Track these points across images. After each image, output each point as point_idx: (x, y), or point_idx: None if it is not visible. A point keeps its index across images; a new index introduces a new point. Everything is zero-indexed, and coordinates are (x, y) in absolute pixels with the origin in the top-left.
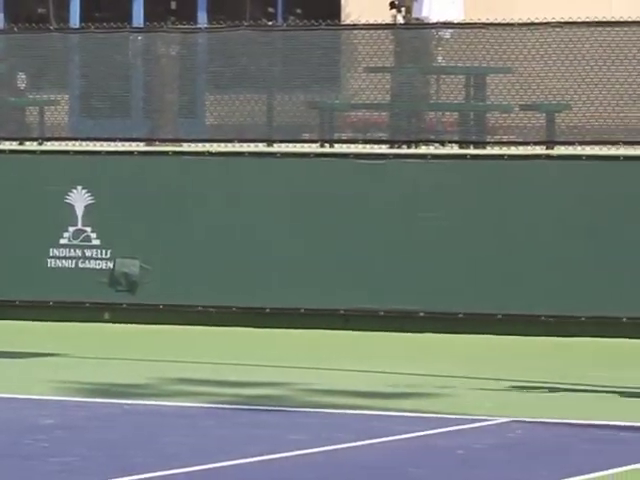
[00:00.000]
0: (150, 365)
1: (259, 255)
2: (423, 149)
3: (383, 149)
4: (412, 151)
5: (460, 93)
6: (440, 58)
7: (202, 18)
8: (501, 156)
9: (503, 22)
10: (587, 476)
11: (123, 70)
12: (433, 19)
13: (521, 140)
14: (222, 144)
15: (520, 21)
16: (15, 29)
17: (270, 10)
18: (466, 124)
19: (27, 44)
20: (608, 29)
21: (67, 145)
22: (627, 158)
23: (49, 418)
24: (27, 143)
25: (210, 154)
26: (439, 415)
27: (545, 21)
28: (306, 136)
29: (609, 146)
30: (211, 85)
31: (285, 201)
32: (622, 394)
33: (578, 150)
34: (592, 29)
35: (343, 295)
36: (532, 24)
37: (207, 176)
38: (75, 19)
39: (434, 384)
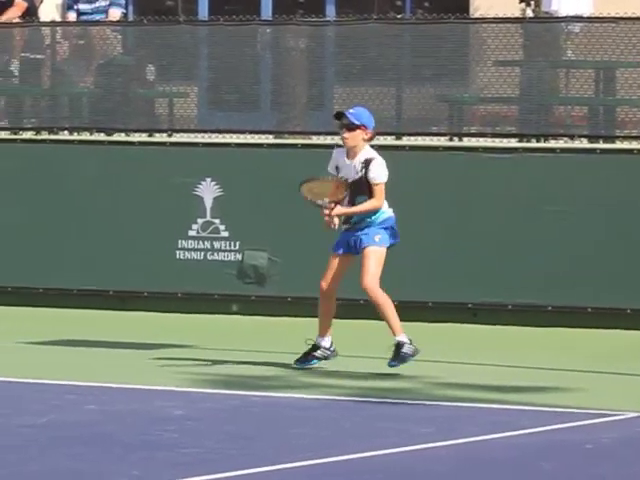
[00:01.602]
0: (277, 357)
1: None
2: (552, 143)
3: (512, 143)
4: (541, 145)
5: (589, 87)
6: (569, 52)
7: (330, 11)
8: (630, 150)
9: (633, 16)
10: None
11: (252, 63)
12: (562, 13)
13: None
14: None
15: None
16: (144, 21)
17: (398, 3)
18: (595, 118)
19: (156, 36)
20: None
21: (196, 137)
22: None
23: (178, 409)
24: (156, 135)
25: (339, 147)
26: (567, 409)
27: None
28: (435, 129)
29: None
30: (340, 78)
31: (414, 195)
32: None
33: None
34: None
35: (471, 289)
36: None
37: None
38: (204, 11)
39: (562, 378)
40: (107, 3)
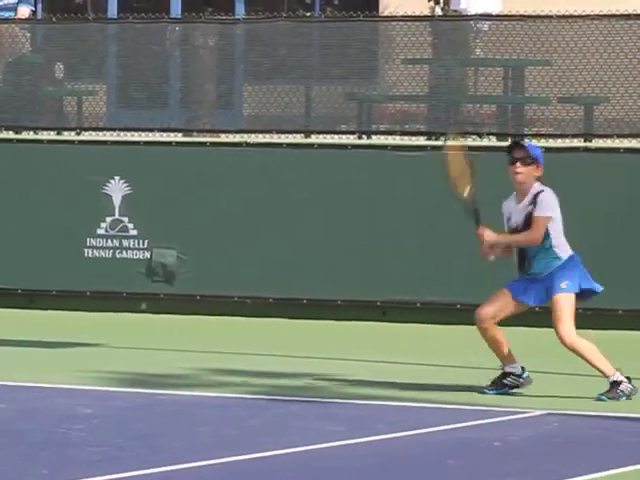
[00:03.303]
0: (186, 355)
1: (295, 246)
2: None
3: (421, 141)
4: None
5: (498, 85)
6: (478, 50)
7: (240, 9)
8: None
9: (542, 14)
10: (625, 469)
11: (161, 61)
12: (471, 11)
13: (559, 133)
14: (260, 135)
15: (558, 13)
16: (53, 19)
17: (307, 1)
18: (504, 116)
19: (65, 34)
20: None
21: (105, 135)
22: None
23: (85, 407)
24: (65, 133)
25: (247, 145)
26: (476, 407)
27: (583, 14)
28: (344, 127)
29: None
30: (249, 76)
31: (322, 192)
32: None
33: (616, 143)
34: (631, 22)
35: (380, 287)
36: (570, 17)
37: (245, 167)
38: (113, 9)
39: (471, 376)
40: (16, 0)
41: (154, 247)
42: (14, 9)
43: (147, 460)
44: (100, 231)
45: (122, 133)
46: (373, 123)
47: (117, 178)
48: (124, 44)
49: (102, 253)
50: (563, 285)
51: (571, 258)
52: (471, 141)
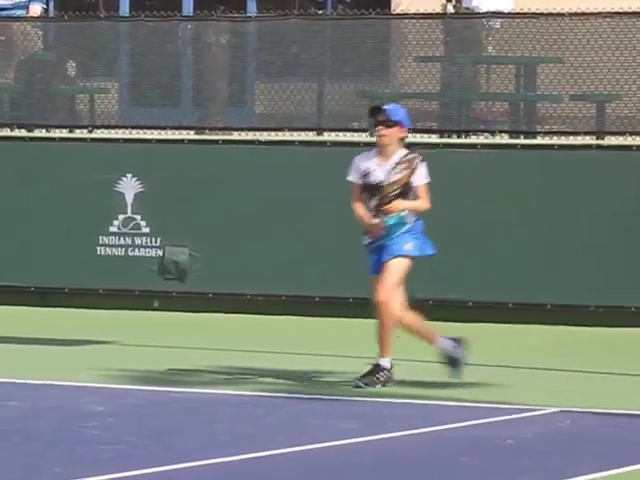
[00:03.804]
0: (199, 353)
1: (308, 244)
2: (473, 139)
3: (433, 138)
4: (462, 141)
5: (510, 83)
6: (490, 48)
7: (251, 7)
8: (551, 146)
9: (553, 12)
10: (637, 467)
11: (173, 58)
12: (483, 9)
13: (571, 130)
14: (272, 133)
15: (571, 11)
16: (65, 17)
17: None
18: (516, 114)
19: (77, 32)
20: None
21: (117, 133)
22: None
23: (99, 405)
24: (77, 131)
25: (260, 143)
26: (488, 405)
27: (596, 11)
28: (356, 125)
29: None
30: (261, 74)
31: (334, 190)
32: None
33: (628, 140)
34: None
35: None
36: (583, 14)
37: (257, 165)
38: (125, 7)
39: (483, 374)
40: None
41: (166, 245)
42: (26, 7)
43: (161, 458)
44: (112, 229)
45: (134, 131)
46: None
47: (129, 176)
48: (136, 42)
49: (114, 251)
50: (406, 247)
51: (417, 222)
52: (483, 139)
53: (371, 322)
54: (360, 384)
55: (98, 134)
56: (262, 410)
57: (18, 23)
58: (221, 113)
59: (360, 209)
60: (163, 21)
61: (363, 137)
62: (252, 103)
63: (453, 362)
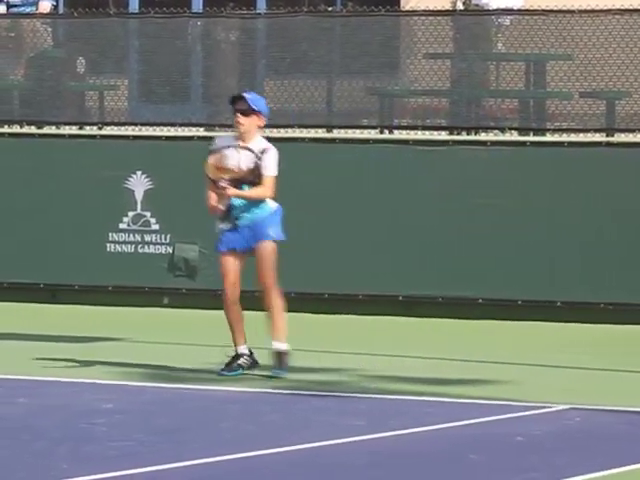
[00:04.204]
0: (208, 350)
1: (316, 241)
2: (483, 136)
3: (443, 135)
4: (472, 138)
5: (520, 80)
6: (500, 45)
7: (261, 3)
8: (561, 143)
9: (563, 9)
10: None
11: (182, 55)
12: (493, 6)
13: (581, 127)
14: (282, 129)
15: (580, 8)
16: (74, 14)
17: None
18: (526, 111)
19: (86, 29)
20: None
21: (127, 130)
22: None
23: (108, 402)
24: (87, 128)
25: (269, 139)
26: (498, 402)
27: (605, 8)
28: (365, 122)
29: None
30: (270, 70)
31: (344, 187)
32: None
33: (638, 137)
34: None
35: (402, 281)
36: (592, 11)
37: None
38: (134, 4)
39: (493, 370)
40: None
41: (176, 242)
42: (35, 4)
43: (168, 455)
44: (122, 226)
45: (144, 128)
46: (395, 118)
47: (139, 173)
48: (146, 39)
49: (124, 248)
50: (272, 233)
51: (278, 209)
52: (493, 136)
53: (384, 319)
54: (224, 373)
55: (108, 131)
56: (268, 407)
57: (28, 20)
58: (231, 110)
59: (211, 189)
60: (172, 18)
61: (373, 134)
62: None
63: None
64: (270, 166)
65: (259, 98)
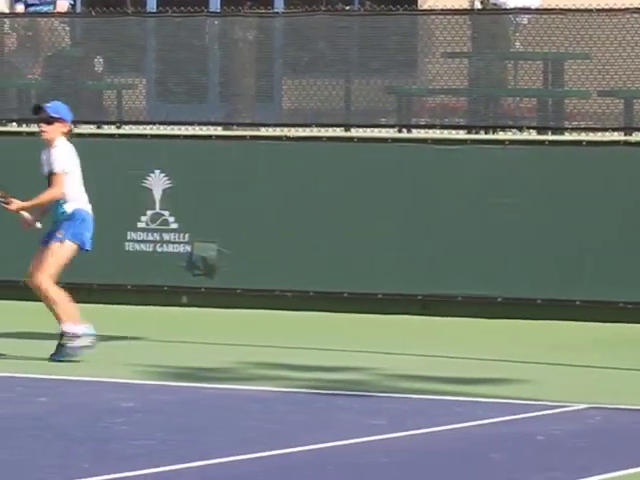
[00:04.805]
0: (227, 349)
1: (335, 240)
2: (501, 135)
3: (461, 134)
4: (490, 137)
5: (538, 79)
6: (518, 44)
7: (279, 3)
8: (579, 142)
9: (581, 8)
10: None
11: (200, 54)
12: (510, 4)
13: (599, 126)
14: (299, 129)
15: (598, 7)
16: (92, 13)
17: None
18: (544, 110)
19: (104, 28)
20: None
21: (145, 129)
22: None
23: (128, 401)
24: (105, 127)
25: (287, 139)
26: (519, 401)
27: (623, 7)
28: (383, 121)
29: None
30: (288, 69)
31: (361, 186)
32: None
33: None
34: None
35: (421, 280)
36: (610, 10)
37: (284, 161)
38: (152, 3)
39: (513, 370)
40: None
41: (195, 241)
42: (53, 3)
43: (189, 454)
44: (141, 225)
45: (162, 127)
46: (413, 117)
47: (157, 172)
48: (163, 38)
49: (143, 247)
50: (59, 234)
51: (77, 212)
52: (511, 135)
53: (401, 318)
54: (56, 359)
55: (126, 130)
56: (289, 407)
57: (45, 19)
58: (248, 109)
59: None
60: (190, 17)
61: (391, 133)
62: (279, 99)
63: (61, 348)
64: (56, 162)
65: (61, 105)
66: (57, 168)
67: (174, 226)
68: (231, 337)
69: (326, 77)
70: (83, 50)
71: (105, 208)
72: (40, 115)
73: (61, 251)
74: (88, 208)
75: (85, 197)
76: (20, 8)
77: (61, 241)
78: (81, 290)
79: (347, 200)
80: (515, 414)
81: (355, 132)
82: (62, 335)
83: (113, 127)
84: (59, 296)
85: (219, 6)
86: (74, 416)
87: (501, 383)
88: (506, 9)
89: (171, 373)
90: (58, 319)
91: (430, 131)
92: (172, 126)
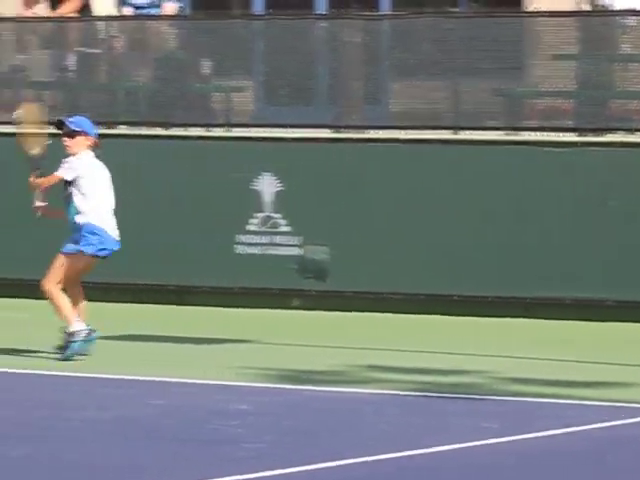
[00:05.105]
0: (339, 352)
1: (445, 243)
2: (610, 137)
3: (570, 137)
4: (599, 139)
5: None
6: (625, 46)
7: (385, 5)
8: None
9: None
10: None
11: (307, 57)
12: (617, 6)
13: None
14: (407, 131)
15: None
16: (200, 16)
17: None
18: None
19: (212, 30)
20: None
21: (253, 131)
22: None
23: (237, 404)
24: (214, 129)
25: (396, 141)
26: (634, 404)
27: None
28: (492, 123)
29: None
30: (395, 72)
31: (470, 189)
32: None
33: None
34: None
35: (527, 283)
36: None
37: (393, 163)
38: (259, 6)
39: (626, 373)
40: None
41: (305, 243)
42: (161, 6)
43: (301, 457)
44: (250, 227)
45: (270, 129)
46: (521, 119)
47: (266, 174)
48: (271, 41)
49: (253, 249)
50: (71, 245)
51: (86, 225)
52: (620, 137)
53: (512, 321)
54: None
55: (234, 133)
56: (403, 409)
57: (154, 22)
58: (357, 111)
59: None
60: (297, 19)
61: (499, 135)
62: (387, 101)
63: (66, 347)
64: (62, 168)
65: (83, 120)
66: (59, 172)
67: (285, 229)
68: (341, 340)
69: (433, 79)
70: (191, 53)
71: (215, 211)
72: (63, 130)
73: (69, 260)
74: (104, 224)
75: (105, 213)
76: (128, 11)
77: (71, 251)
78: (191, 293)
79: (456, 203)
80: (629, 418)
81: (463, 134)
82: (69, 334)
83: (222, 130)
84: (62, 302)
85: (326, 8)
86: (186, 418)
87: (614, 386)
88: (613, 11)
89: (281, 376)
90: (65, 318)
91: (538, 134)
92: (280, 128)
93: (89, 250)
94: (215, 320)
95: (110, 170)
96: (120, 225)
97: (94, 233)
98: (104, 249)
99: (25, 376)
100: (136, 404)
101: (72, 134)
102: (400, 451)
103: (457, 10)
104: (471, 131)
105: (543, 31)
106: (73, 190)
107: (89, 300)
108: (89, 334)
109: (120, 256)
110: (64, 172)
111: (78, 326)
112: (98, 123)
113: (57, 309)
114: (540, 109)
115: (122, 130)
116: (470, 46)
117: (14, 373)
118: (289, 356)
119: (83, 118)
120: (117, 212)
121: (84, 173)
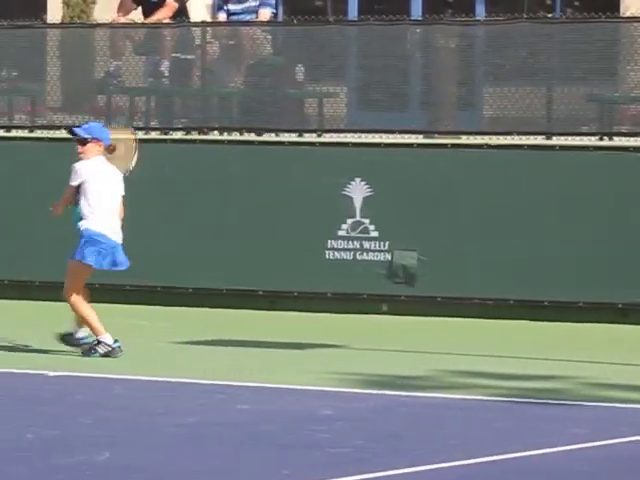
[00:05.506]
0: (427, 357)
1: (536, 248)
2: None
3: None
4: None
5: None
6: None
7: (480, 10)
8: None
9: None
10: None
11: (401, 62)
12: None
13: None
14: (500, 137)
15: None
16: (294, 21)
17: (548, 2)
18: None
19: (306, 36)
20: None
21: (345, 137)
22: None
23: (328, 409)
24: (306, 135)
25: (489, 147)
26: None
27: None
28: (585, 129)
29: None
30: (489, 77)
31: (562, 194)
32: None
33: None
34: None
35: (621, 289)
36: None
37: (485, 169)
38: (353, 11)
39: None
40: (257, 3)
41: (395, 249)
42: (255, 12)
43: (389, 461)
44: (341, 233)
45: (363, 135)
46: (615, 124)
47: (358, 180)
48: (364, 46)
49: (343, 255)
50: (75, 254)
51: (86, 232)
52: None
53: (603, 327)
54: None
55: (327, 138)
56: (491, 414)
57: (248, 28)
58: (450, 117)
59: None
60: (392, 25)
61: (592, 141)
62: (481, 107)
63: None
64: (71, 175)
65: (94, 126)
66: (70, 180)
67: (374, 234)
68: (430, 345)
69: (527, 85)
70: (284, 58)
71: (306, 216)
72: (75, 138)
73: (74, 269)
74: (104, 229)
75: (110, 221)
76: (222, 17)
77: (74, 260)
78: (281, 298)
79: (547, 208)
80: None
81: (557, 140)
82: (98, 342)
83: (314, 135)
84: (87, 312)
85: (421, 14)
86: (275, 423)
87: None
88: None
89: (369, 381)
90: (91, 327)
91: (632, 139)
92: (373, 134)
93: (91, 261)
94: (305, 325)
95: (202, 175)
96: (212, 230)
97: (92, 240)
98: (109, 259)
99: (118, 381)
100: (224, 409)
101: (83, 141)
102: (489, 456)
103: (552, 15)
104: (564, 137)
105: (638, 36)
106: (79, 195)
107: (185, 306)
108: (112, 352)
109: (212, 262)
110: (71, 179)
111: (104, 338)
112: (192, 129)
113: (83, 320)
114: (633, 114)
115: (214, 136)
116: (564, 51)
117: (100, 378)
118: (377, 361)
119: (95, 124)
120: (212, 218)
121: (88, 178)
